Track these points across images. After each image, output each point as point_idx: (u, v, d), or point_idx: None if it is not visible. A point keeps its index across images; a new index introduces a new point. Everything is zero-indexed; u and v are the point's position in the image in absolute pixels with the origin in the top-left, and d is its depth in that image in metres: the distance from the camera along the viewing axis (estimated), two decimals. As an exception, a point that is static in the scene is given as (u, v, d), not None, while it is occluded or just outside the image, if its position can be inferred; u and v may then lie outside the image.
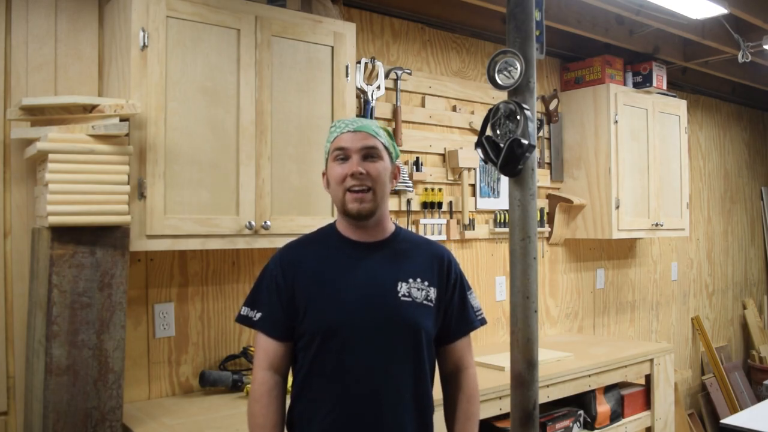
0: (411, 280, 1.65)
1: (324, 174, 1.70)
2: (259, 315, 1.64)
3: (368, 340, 1.59)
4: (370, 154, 1.62)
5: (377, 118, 2.98)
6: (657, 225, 3.85)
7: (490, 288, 3.48)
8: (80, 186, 1.94)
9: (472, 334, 1.83)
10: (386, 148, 1.67)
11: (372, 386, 1.59)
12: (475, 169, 3.32)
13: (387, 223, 1.71)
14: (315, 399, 1.62)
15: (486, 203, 3.41)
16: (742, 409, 3.79)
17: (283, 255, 1.69)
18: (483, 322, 1.79)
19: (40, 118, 2.04)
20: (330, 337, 1.59)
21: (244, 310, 1.67)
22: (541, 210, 3.65)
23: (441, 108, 3.29)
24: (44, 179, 1.94)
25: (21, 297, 2.18)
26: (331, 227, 1.73)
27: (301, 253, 1.68)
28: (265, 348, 1.64)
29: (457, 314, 1.73)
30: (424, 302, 1.65)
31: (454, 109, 3.35)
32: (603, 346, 3.42)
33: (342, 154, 1.62)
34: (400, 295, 1.63)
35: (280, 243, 2.35)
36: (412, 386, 1.64)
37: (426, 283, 1.67)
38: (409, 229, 3.08)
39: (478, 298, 1.84)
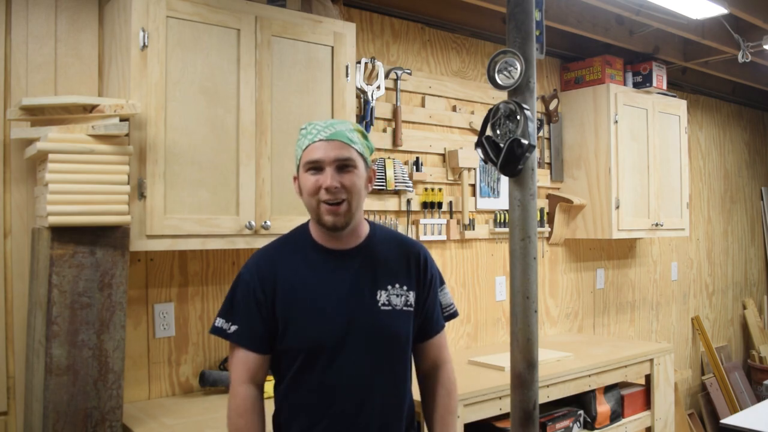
0: (390, 287, 1.63)
1: (295, 179, 1.64)
2: (234, 328, 1.59)
3: (352, 355, 1.57)
4: (344, 164, 1.56)
5: (377, 118, 2.99)
6: (657, 225, 3.85)
7: (490, 288, 3.48)
8: (80, 186, 1.94)
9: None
10: (361, 155, 1.60)
11: (357, 400, 1.58)
12: (475, 169, 3.32)
13: (361, 227, 1.67)
14: (300, 408, 1.60)
15: (486, 203, 3.41)
16: (742, 409, 3.79)
17: (259, 266, 1.63)
18: (453, 315, 1.80)
19: (40, 118, 2.04)
20: (313, 354, 1.57)
21: (219, 322, 1.61)
22: (541, 210, 3.65)
23: (441, 108, 3.29)
24: (44, 179, 1.94)
25: (21, 297, 2.18)
26: (305, 231, 1.67)
27: (277, 264, 1.63)
28: (245, 361, 1.59)
29: (431, 312, 1.72)
30: (404, 308, 1.64)
31: (454, 109, 3.35)
32: (603, 346, 3.42)
33: (315, 166, 1.56)
34: (380, 304, 1.61)
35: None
36: (396, 394, 1.65)
37: (405, 288, 1.65)
38: (409, 229, 3.08)
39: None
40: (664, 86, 3.92)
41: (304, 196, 1.60)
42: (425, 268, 1.71)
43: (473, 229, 3.33)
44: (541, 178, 3.70)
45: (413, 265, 1.69)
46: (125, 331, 2.02)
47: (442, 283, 1.77)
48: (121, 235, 2.00)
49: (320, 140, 1.56)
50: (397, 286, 1.64)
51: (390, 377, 1.63)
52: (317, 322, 1.58)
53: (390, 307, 1.62)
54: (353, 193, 1.57)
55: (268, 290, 1.59)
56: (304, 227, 1.69)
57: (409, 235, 3.06)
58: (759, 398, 4.73)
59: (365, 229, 1.69)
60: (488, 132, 1.75)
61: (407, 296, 1.65)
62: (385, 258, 1.66)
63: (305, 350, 1.57)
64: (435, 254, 3.23)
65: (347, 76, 2.54)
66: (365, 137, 1.66)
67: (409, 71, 3.10)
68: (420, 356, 1.75)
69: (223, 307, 1.63)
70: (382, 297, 1.62)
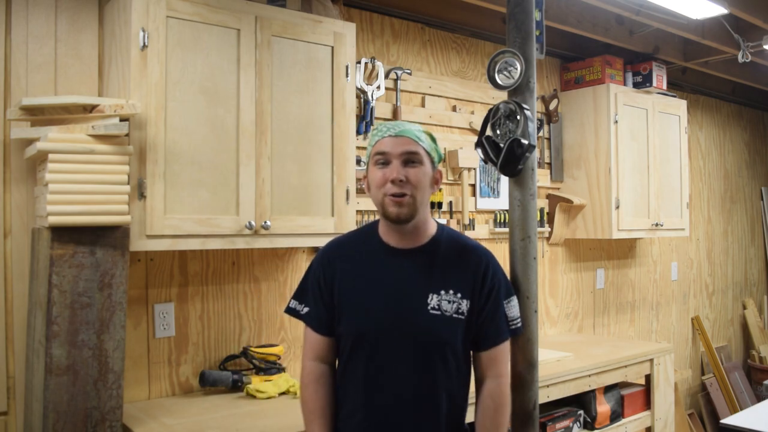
0: (443, 292, 1.63)
1: (365, 177, 1.71)
2: (306, 309, 1.72)
3: (392, 351, 1.62)
4: (411, 159, 1.62)
5: (377, 118, 2.99)
6: (657, 225, 3.85)
7: (490, 288, 3.47)
8: (80, 186, 1.94)
9: None
10: (428, 153, 1.66)
11: (394, 395, 1.62)
12: (475, 169, 3.32)
13: (427, 227, 1.69)
14: (346, 395, 1.69)
15: (486, 203, 3.41)
16: (742, 409, 3.79)
17: (325, 253, 1.74)
18: (515, 333, 1.72)
19: (40, 118, 2.04)
20: (358, 343, 1.65)
21: (293, 303, 1.75)
22: (541, 210, 3.65)
23: (441, 108, 3.29)
24: (44, 179, 1.94)
25: (21, 297, 2.18)
26: (374, 228, 1.74)
27: (342, 254, 1.72)
28: (311, 341, 1.72)
29: (488, 324, 1.67)
30: (454, 315, 1.63)
31: (454, 109, 3.35)
32: (603, 346, 3.42)
33: (383, 159, 1.62)
34: (429, 308, 1.62)
35: (280, 243, 2.36)
36: (433, 398, 1.63)
37: (459, 295, 1.64)
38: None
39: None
40: (664, 86, 3.92)
41: (372, 190, 1.66)
42: (485, 276, 1.67)
43: (473, 229, 3.33)
44: (541, 178, 3.70)
45: (473, 273, 1.66)
46: (125, 331, 2.02)
47: (510, 295, 1.71)
48: (121, 235, 2.00)
49: (389, 136, 1.63)
50: (451, 292, 1.63)
51: (428, 381, 1.62)
52: (360, 315, 1.65)
53: (439, 312, 1.61)
54: (418, 187, 1.61)
55: (329, 277, 1.69)
56: (374, 224, 1.76)
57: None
58: (759, 398, 4.73)
59: (431, 230, 1.70)
60: (488, 132, 1.75)
61: (460, 304, 1.63)
62: (445, 262, 1.66)
63: (352, 338, 1.66)
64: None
65: (347, 76, 2.54)
66: (434, 141, 1.70)
67: (409, 71, 3.10)
68: (475, 366, 1.73)
69: (297, 289, 1.77)
70: (433, 300, 1.62)
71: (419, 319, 1.61)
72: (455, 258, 1.68)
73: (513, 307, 1.71)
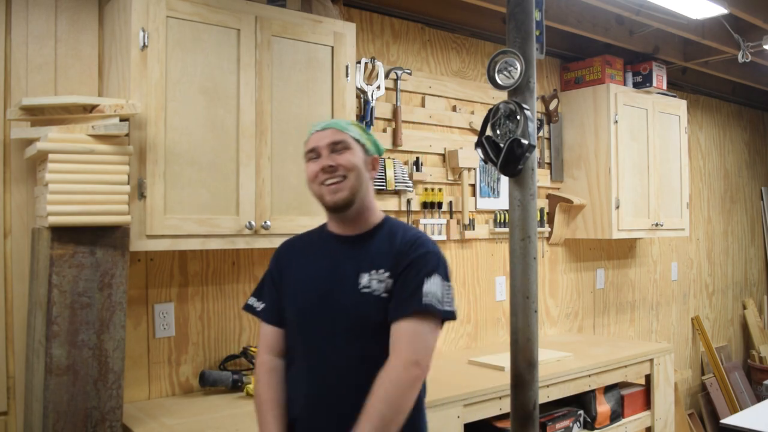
0: (373, 271, 1.63)
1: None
2: (262, 306, 1.77)
3: (326, 330, 1.64)
4: (337, 147, 1.66)
5: (377, 118, 2.99)
6: (657, 225, 3.85)
7: (490, 288, 3.48)
8: (80, 186, 1.94)
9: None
10: (358, 141, 1.70)
11: (331, 377, 1.64)
12: (475, 169, 3.32)
13: (370, 215, 1.72)
14: (291, 381, 1.71)
15: (486, 203, 3.41)
16: (742, 409, 3.79)
17: (279, 249, 1.82)
18: (426, 308, 1.55)
19: (40, 118, 2.04)
20: (296, 325, 1.70)
21: (251, 300, 1.81)
22: (541, 210, 3.65)
23: (441, 108, 3.29)
24: (44, 179, 1.94)
25: (21, 297, 2.18)
26: (325, 224, 1.79)
27: (292, 248, 1.80)
28: (264, 334, 1.76)
29: (399, 294, 1.59)
30: (382, 294, 1.61)
31: (454, 109, 3.35)
32: (603, 346, 3.42)
33: (313, 154, 1.68)
34: (360, 287, 1.63)
35: (280, 243, 2.35)
36: (372, 369, 1.58)
37: (387, 274, 1.62)
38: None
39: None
40: (664, 86, 3.92)
41: (310, 186, 1.70)
42: (407, 250, 1.62)
43: (473, 229, 3.33)
44: (541, 178, 3.70)
45: (397, 249, 1.64)
46: (125, 331, 2.02)
47: (434, 273, 1.60)
48: (121, 235, 2.00)
49: (316, 131, 1.70)
50: (381, 271, 1.63)
51: (361, 361, 1.61)
52: (297, 298, 1.70)
53: (369, 290, 1.62)
54: (351, 169, 1.65)
55: (279, 268, 1.76)
56: (326, 222, 1.80)
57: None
58: (759, 398, 4.73)
59: (375, 219, 1.73)
60: (488, 132, 1.75)
61: (387, 282, 1.62)
62: (381, 244, 1.68)
63: (290, 319, 1.71)
64: (435, 254, 3.22)
65: (347, 76, 2.54)
66: (366, 132, 1.74)
67: (409, 71, 3.10)
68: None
69: (256, 286, 1.83)
70: (363, 279, 1.63)
71: (350, 298, 1.63)
72: (391, 239, 1.68)
73: (434, 283, 1.58)
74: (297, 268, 1.74)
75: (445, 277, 1.65)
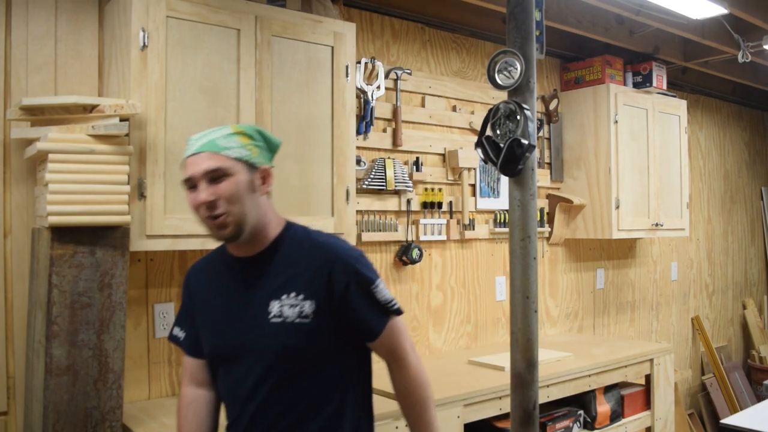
0: (284, 296, 1.53)
1: None
2: (183, 335, 1.69)
3: (244, 369, 1.55)
4: (215, 175, 1.48)
5: (377, 118, 2.99)
6: (657, 225, 3.85)
7: (490, 288, 3.48)
8: (80, 186, 1.94)
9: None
10: (238, 159, 1.50)
11: (251, 416, 1.55)
12: (475, 169, 3.32)
13: (266, 231, 1.58)
14: (225, 410, 1.66)
15: (486, 203, 3.41)
16: (742, 409, 3.79)
17: (187, 276, 1.73)
18: (397, 313, 1.62)
19: (40, 118, 2.04)
20: (215, 362, 1.63)
21: (175, 330, 1.71)
22: (541, 210, 3.65)
23: (441, 108, 3.29)
24: (44, 179, 1.94)
25: (21, 297, 2.18)
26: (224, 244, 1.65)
27: (197, 275, 1.70)
28: (185, 365, 1.70)
29: (362, 318, 1.57)
30: (296, 320, 1.51)
31: (454, 109, 3.35)
32: (603, 346, 3.42)
33: (190, 184, 1.51)
34: (270, 316, 1.52)
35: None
36: (294, 411, 1.54)
37: (301, 297, 1.52)
38: (409, 229, 3.08)
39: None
40: (664, 86, 3.92)
41: (195, 216, 1.55)
42: (331, 273, 1.53)
43: (473, 229, 3.33)
44: (541, 178, 3.70)
45: (315, 271, 1.54)
46: (125, 331, 2.02)
47: (372, 281, 1.57)
48: (121, 235, 2.00)
49: (191, 155, 1.51)
50: (292, 295, 1.52)
51: (285, 394, 1.53)
52: (211, 333, 1.62)
53: (281, 319, 1.52)
54: (233, 201, 1.48)
55: (190, 298, 1.69)
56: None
57: (409, 235, 3.06)
58: (759, 398, 4.73)
59: (274, 232, 1.59)
60: (488, 132, 1.75)
61: (302, 306, 1.52)
62: (287, 263, 1.56)
63: (208, 358, 1.64)
64: (435, 254, 3.23)
65: (347, 76, 2.54)
66: (251, 138, 1.55)
67: (409, 71, 3.10)
68: (377, 353, 1.66)
69: (177, 314, 1.74)
70: (274, 308, 1.53)
71: (263, 330, 1.52)
72: (297, 257, 1.56)
73: (381, 291, 1.58)
74: (204, 302, 1.64)
75: (377, 274, 1.62)
